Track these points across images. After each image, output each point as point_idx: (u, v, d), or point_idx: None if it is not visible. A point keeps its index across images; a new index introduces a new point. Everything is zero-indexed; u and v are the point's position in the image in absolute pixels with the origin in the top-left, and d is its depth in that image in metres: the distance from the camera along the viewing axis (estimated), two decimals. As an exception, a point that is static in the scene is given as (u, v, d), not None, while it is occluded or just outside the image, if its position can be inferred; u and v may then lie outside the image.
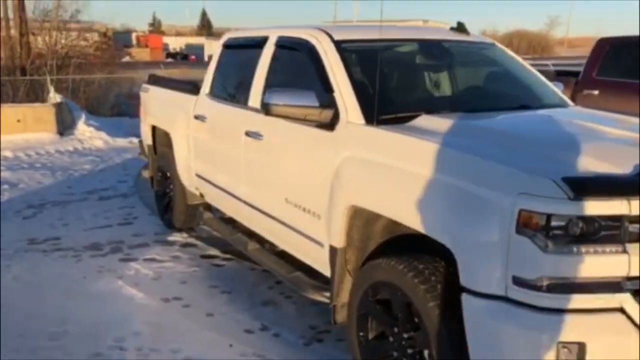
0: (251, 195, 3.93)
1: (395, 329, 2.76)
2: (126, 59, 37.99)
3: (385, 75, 3.26)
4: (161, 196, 5.83)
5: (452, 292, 2.44)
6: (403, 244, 2.90)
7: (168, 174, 5.56)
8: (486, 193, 2.22)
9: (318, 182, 3.15)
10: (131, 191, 7.20)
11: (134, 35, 75.33)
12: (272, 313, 3.93)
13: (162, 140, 5.74)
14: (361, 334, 2.97)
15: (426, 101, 3.39)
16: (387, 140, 2.81)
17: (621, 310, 2.11)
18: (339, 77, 3.23)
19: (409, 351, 2.68)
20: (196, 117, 4.71)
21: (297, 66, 3.71)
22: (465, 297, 2.27)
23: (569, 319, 2.09)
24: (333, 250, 3.07)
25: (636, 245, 2.08)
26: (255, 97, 3.93)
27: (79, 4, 18.91)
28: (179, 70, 15.75)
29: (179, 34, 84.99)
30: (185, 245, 5.28)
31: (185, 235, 5.51)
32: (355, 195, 2.87)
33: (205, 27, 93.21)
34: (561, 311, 2.10)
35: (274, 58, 3.88)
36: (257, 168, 3.82)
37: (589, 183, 2.09)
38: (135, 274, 4.58)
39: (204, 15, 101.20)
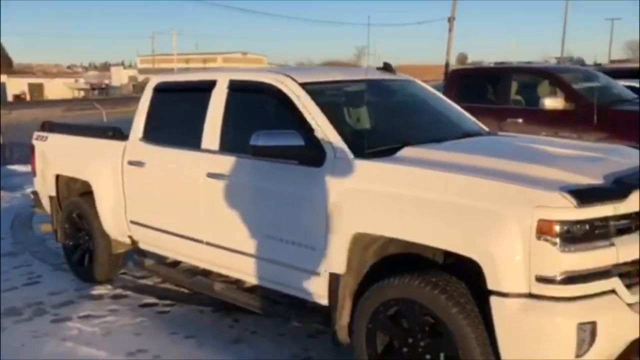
0: (217, 236, 3.98)
1: (410, 340, 3.08)
2: None
3: (353, 112, 3.62)
4: (72, 249, 5.48)
5: (468, 297, 2.86)
6: (392, 264, 3.27)
7: (83, 225, 5.27)
8: (506, 209, 2.67)
9: (310, 216, 3.38)
10: (17, 248, 6.58)
11: None
12: (249, 349, 4.00)
13: (71, 190, 5.44)
14: (370, 350, 3.24)
15: (397, 134, 3.79)
16: (392, 171, 3.15)
17: (614, 291, 2.68)
18: (316, 117, 3.51)
19: (427, 357, 3.02)
20: (130, 163, 4.60)
21: (261, 109, 3.90)
22: (494, 299, 2.68)
23: (583, 304, 2.61)
24: (333, 277, 3.31)
25: (619, 238, 2.68)
26: (210, 139, 4.02)
27: None
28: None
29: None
30: (116, 297, 5.05)
31: (109, 287, 5.25)
32: (360, 223, 3.16)
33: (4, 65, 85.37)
34: (576, 299, 2.60)
35: (229, 101, 4.02)
36: (223, 208, 3.90)
37: (587, 193, 2.64)
38: (80, 333, 4.31)
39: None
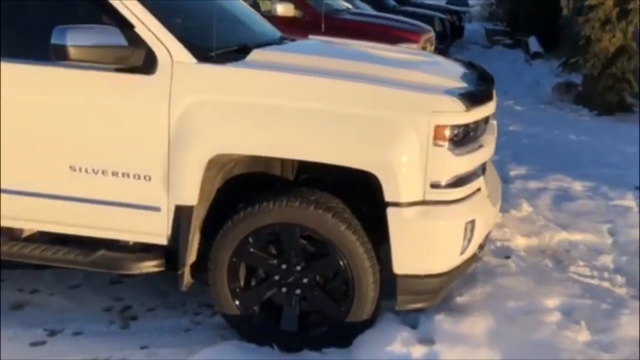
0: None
1: (284, 266, 2.79)
2: None
3: (181, 9, 2.92)
4: None
5: (349, 213, 2.70)
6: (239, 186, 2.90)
7: None
8: (403, 117, 2.52)
9: (142, 139, 2.69)
10: None
11: None
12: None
13: None
14: (233, 285, 2.84)
15: (229, 35, 3.16)
16: (258, 78, 2.66)
17: (479, 189, 2.84)
18: (135, 9, 2.71)
19: (304, 281, 2.79)
20: None
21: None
22: (391, 210, 2.57)
23: (466, 204, 2.70)
24: (180, 211, 2.73)
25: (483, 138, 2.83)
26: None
27: None
28: None
29: None
30: None
31: None
32: (222, 144, 2.63)
33: None
34: (461, 200, 2.67)
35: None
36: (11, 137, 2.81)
37: (470, 97, 2.65)
38: None
39: None
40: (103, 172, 2.76)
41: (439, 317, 2.78)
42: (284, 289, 2.82)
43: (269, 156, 2.72)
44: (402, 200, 2.56)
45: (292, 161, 3.07)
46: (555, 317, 2.82)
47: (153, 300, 3.35)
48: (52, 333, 3.01)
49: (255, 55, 2.86)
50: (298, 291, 2.81)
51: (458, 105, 2.58)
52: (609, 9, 8.17)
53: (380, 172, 2.53)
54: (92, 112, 2.73)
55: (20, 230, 3.03)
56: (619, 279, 3.40)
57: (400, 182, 2.53)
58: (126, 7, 2.71)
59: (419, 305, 2.80)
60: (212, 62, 2.72)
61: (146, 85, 2.67)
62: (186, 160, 2.65)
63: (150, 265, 2.92)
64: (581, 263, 3.59)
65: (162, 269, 2.92)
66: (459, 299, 2.97)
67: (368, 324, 2.78)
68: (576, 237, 3.91)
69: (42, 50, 2.65)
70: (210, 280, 2.86)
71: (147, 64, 2.66)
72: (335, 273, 2.77)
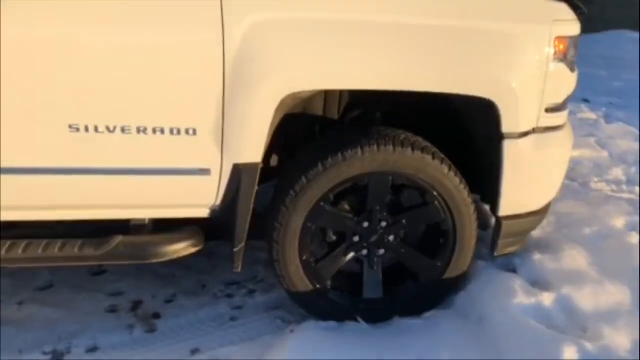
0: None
1: (365, 224, 2.28)
2: None
3: None
4: None
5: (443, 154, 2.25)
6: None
7: None
8: (522, 29, 2.07)
9: (181, 76, 1.93)
10: None
11: None
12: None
13: None
14: (304, 258, 2.27)
15: None
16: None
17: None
18: None
19: (390, 238, 2.31)
20: None
21: None
22: (509, 143, 2.15)
23: (567, 129, 2.39)
24: (241, 171, 2.06)
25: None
26: None
27: None
28: None
29: None
30: None
31: None
32: (303, 76, 1.98)
33: None
34: (564, 125, 2.34)
35: None
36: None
37: (577, 5, 2.26)
38: None
39: None
40: (125, 130, 1.96)
41: (537, 257, 2.49)
42: (364, 252, 2.33)
43: (357, 89, 2.10)
44: (521, 129, 2.16)
45: (341, 95, 2.51)
46: (634, 238, 2.68)
47: (163, 288, 2.64)
48: (58, 355, 2.21)
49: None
50: (381, 251, 2.33)
51: (571, 14, 2.20)
52: None
53: (501, 99, 2.09)
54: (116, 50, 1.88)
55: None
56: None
57: (521, 109, 2.12)
58: None
59: (514, 249, 2.49)
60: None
61: (185, 8, 1.89)
62: (253, 102, 1.96)
63: (185, 247, 2.22)
64: (595, 179, 3.53)
65: (199, 248, 2.24)
66: (534, 235, 2.70)
67: (466, 278, 2.41)
68: (574, 153, 3.85)
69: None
70: (276, 255, 2.25)
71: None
72: (431, 225, 2.33)
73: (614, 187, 3.44)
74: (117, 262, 2.18)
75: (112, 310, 2.48)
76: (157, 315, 2.46)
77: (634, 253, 2.53)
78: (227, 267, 2.31)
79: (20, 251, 2.08)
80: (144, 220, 2.23)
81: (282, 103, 2.02)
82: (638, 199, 3.27)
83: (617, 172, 3.62)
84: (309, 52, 1.95)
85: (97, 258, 2.13)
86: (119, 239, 2.13)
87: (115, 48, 1.86)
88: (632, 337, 2.05)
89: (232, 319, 2.46)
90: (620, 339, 2.04)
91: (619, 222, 2.83)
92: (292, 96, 2.03)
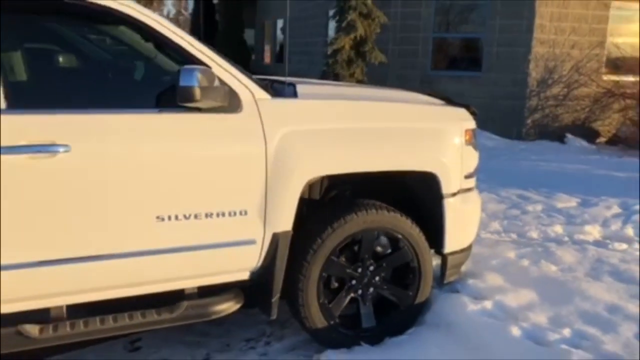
0: (53, 244, 2.47)
1: (359, 269, 3.15)
2: None
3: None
4: None
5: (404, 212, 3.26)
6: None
7: None
8: (450, 126, 3.22)
9: (237, 173, 2.76)
10: None
11: None
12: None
13: None
14: (321, 300, 3.07)
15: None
16: (326, 107, 3.01)
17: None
18: (208, 52, 2.77)
19: (376, 279, 3.21)
20: None
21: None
22: (447, 201, 3.22)
23: (476, 190, 3.52)
24: (278, 238, 2.87)
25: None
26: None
27: None
28: None
29: None
30: None
31: None
32: (316, 167, 2.89)
33: None
34: (473, 187, 3.48)
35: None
36: (60, 200, 2.47)
37: (469, 110, 3.48)
38: None
39: None
40: (195, 216, 2.71)
41: (471, 281, 3.54)
42: (359, 291, 3.19)
43: (352, 173, 3.05)
44: (452, 190, 3.24)
45: (322, 180, 3.42)
46: (525, 262, 3.85)
47: (197, 350, 3.22)
48: None
49: (302, 89, 3.15)
50: (371, 290, 3.21)
51: (469, 115, 3.41)
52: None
53: (440, 171, 3.17)
54: (178, 156, 2.66)
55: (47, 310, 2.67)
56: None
57: (452, 177, 3.22)
58: (200, 50, 2.74)
59: (455, 277, 3.50)
60: (280, 96, 2.94)
61: (235, 123, 2.75)
62: (287, 187, 2.82)
63: (233, 304, 2.93)
64: (482, 232, 4.75)
65: (240, 305, 2.96)
66: (463, 269, 3.75)
67: (429, 301, 3.35)
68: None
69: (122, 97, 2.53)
70: (301, 301, 3.03)
71: (232, 103, 2.75)
72: (403, 264, 3.26)
73: (496, 235, 4.68)
74: (186, 321, 2.80)
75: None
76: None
77: (530, 271, 3.69)
78: (238, 330, 2.95)
79: (111, 321, 2.66)
80: (194, 288, 2.90)
81: (307, 185, 2.89)
82: (517, 239, 4.54)
83: (495, 225, 4.90)
84: (321, 149, 2.90)
85: (172, 320, 2.76)
86: (186, 303, 2.79)
87: (198, 161, 2.66)
88: (547, 315, 3.13)
89: (265, 362, 3.13)
90: (540, 318, 3.11)
91: (512, 254, 4.01)
92: (309, 182, 2.92)
